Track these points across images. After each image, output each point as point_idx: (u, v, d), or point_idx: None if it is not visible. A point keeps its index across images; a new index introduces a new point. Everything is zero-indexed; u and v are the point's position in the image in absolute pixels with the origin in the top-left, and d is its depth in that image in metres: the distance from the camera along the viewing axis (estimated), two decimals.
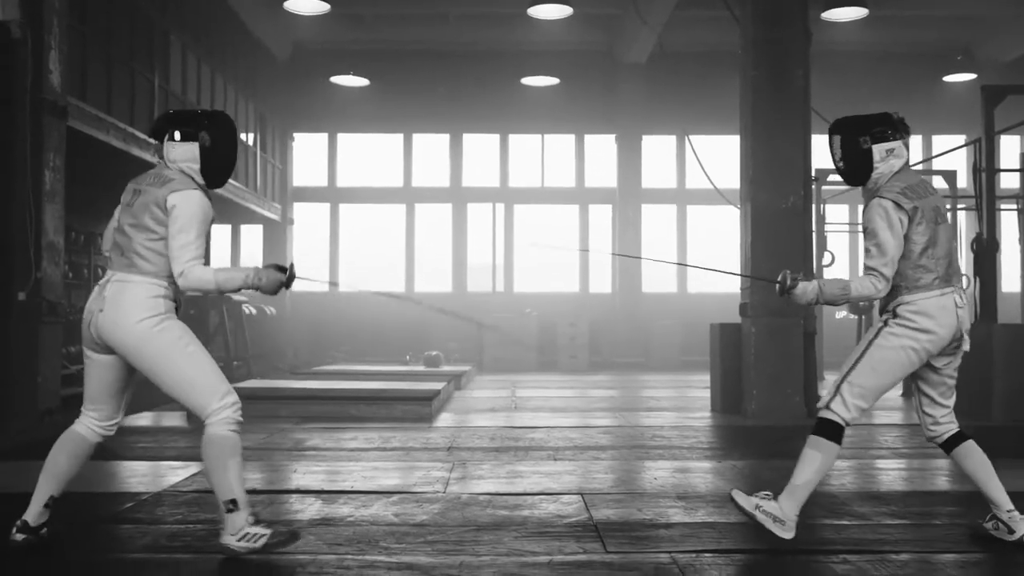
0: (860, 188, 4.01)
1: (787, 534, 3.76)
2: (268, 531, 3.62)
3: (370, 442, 6.84)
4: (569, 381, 13.50)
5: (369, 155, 19.01)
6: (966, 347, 3.84)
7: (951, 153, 12.84)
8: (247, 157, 15.91)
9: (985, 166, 8.82)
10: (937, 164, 15.43)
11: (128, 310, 3.55)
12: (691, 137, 13.52)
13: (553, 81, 18.00)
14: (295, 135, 18.85)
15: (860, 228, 4.17)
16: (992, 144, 8.81)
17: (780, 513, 3.77)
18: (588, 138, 18.86)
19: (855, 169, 3.95)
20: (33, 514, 3.67)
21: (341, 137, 19.00)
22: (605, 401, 10.32)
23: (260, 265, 3.78)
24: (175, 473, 5.46)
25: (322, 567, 3.49)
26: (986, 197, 8.80)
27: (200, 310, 12.61)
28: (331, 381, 10.79)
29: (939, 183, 15.99)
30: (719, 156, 14.73)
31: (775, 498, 3.83)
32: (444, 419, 8.43)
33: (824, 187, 12.85)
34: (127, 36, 11.21)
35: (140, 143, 10.56)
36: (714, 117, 16.45)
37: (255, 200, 16.20)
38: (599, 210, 18.85)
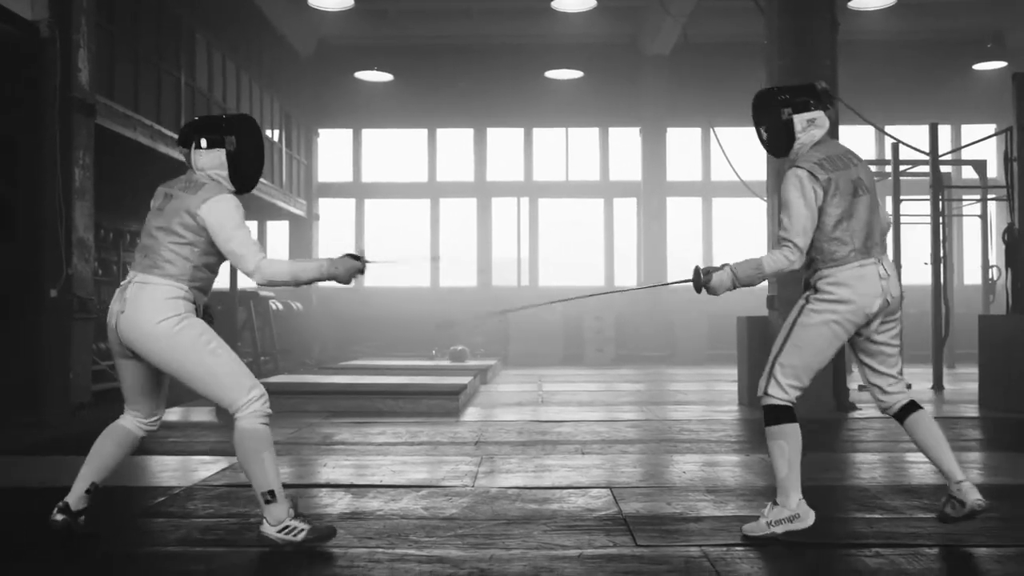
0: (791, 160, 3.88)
1: (806, 522, 3.75)
2: (308, 525, 3.65)
3: (398, 436, 6.86)
4: (595, 375, 13.49)
5: (394, 150, 19.07)
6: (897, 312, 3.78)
7: (981, 143, 12.65)
8: (272, 153, 15.98)
9: (1017, 155, 8.71)
10: (967, 154, 15.22)
11: (147, 311, 3.59)
12: (716, 129, 13.45)
13: (577, 74, 17.96)
14: (320, 131, 18.93)
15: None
16: None
17: (787, 512, 3.75)
18: (612, 131, 18.80)
19: (777, 140, 3.89)
20: (75, 498, 3.72)
21: (366, 132, 19.07)
22: (632, 395, 10.29)
23: (333, 256, 3.83)
24: (206, 467, 5.51)
25: (353, 560, 3.51)
26: (1018, 187, 8.68)
27: (227, 307, 12.69)
28: (358, 376, 10.82)
29: (968, 173, 15.89)
30: (745, 148, 14.58)
31: (774, 502, 3.81)
32: (471, 413, 8.45)
33: None
34: (154, 34, 11.30)
35: (167, 140, 10.64)
36: (739, 108, 16.01)
37: (281, 196, 16.28)
38: (624, 203, 18.80)
